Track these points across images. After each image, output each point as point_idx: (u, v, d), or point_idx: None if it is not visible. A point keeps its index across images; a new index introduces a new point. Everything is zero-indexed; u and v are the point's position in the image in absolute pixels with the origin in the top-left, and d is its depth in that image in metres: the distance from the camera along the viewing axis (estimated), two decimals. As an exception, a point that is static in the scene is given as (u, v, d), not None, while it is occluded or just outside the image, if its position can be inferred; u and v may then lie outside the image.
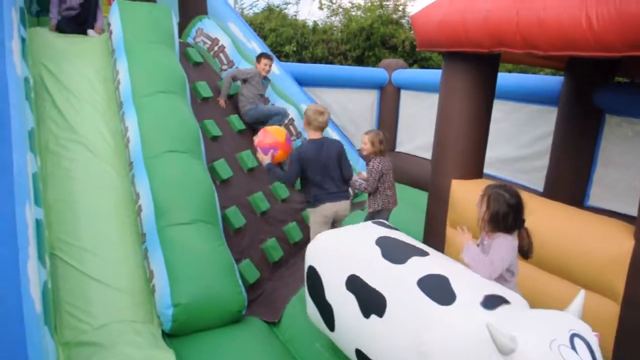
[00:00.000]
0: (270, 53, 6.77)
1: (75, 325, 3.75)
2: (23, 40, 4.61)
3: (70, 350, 3.57)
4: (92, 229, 4.28)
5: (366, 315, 2.89)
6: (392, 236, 3.29)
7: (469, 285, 2.68)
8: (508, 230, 3.02)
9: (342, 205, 4.62)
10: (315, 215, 4.60)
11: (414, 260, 2.94)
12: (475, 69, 4.63)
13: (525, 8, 3.63)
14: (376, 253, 3.07)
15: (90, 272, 4.03)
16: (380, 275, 2.93)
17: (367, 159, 5.25)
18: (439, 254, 3.18)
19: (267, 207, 5.50)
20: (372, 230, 3.42)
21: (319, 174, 4.47)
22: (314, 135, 4.55)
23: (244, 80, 6.24)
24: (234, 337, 3.93)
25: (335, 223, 4.69)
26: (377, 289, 2.87)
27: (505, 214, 2.98)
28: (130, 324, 3.86)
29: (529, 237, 3.09)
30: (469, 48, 4.29)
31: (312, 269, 3.45)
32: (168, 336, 3.89)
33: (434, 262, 2.94)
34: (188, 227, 4.22)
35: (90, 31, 5.89)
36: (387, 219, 4.95)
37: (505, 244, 2.97)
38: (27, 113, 4.06)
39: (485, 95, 4.77)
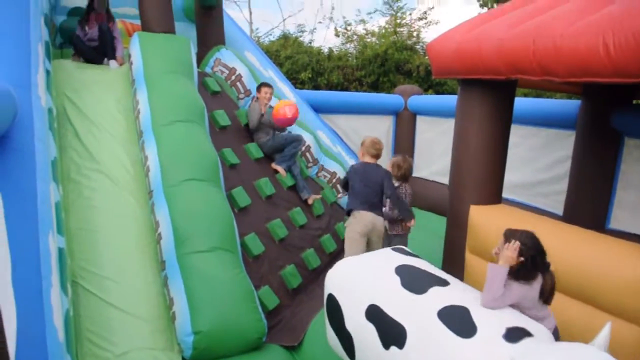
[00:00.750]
0: (286, 78, 6.83)
1: (96, 352, 3.77)
2: (47, 72, 4.73)
3: (91, 378, 3.59)
4: (113, 257, 4.33)
5: (386, 346, 2.87)
6: (412, 264, 3.27)
7: (491, 316, 2.65)
8: (532, 278, 2.90)
9: (380, 220, 4.85)
10: (352, 226, 4.81)
11: (434, 290, 2.92)
12: (491, 94, 4.64)
13: (542, 35, 3.65)
14: (396, 282, 3.06)
15: (111, 299, 4.07)
16: (400, 305, 2.91)
17: None
18: (460, 283, 3.16)
19: (285, 234, 5.51)
20: (392, 258, 3.40)
21: (361, 187, 4.82)
22: (369, 160, 4.99)
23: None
24: (254, 364, 3.92)
25: (369, 244, 4.85)
26: (397, 319, 2.85)
27: (536, 261, 2.88)
28: (151, 351, 3.88)
29: (552, 281, 2.96)
30: (485, 75, 4.31)
31: (331, 297, 3.43)
32: (188, 363, 3.90)
33: (454, 292, 2.91)
34: (208, 254, 4.25)
35: (111, 62, 6.00)
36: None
37: (518, 294, 2.85)
38: (51, 143, 4.15)
39: (502, 121, 4.77)
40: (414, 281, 3.03)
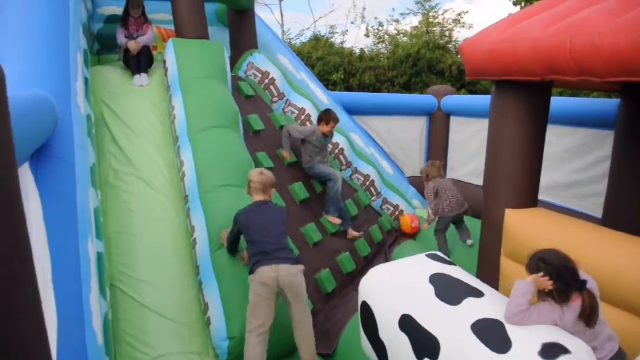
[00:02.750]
0: (318, 80, 6.83)
1: (134, 355, 3.84)
2: (86, 80, 4.84)
3: (130, 381, 3.66)
4: (150, 260, 4.40)
5: (420, 358, 2.83)
6: (447, 273, 3.22)
7: (527, 331, 2.59)
8: (567, 298, 2.74)
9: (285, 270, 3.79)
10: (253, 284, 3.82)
11: (469, 302, 2.87)
12: (527, 96, 4.55)
13: (579, 34, 3.55)
14: (430, 292, 3.01)
15: (148, 303, 4.13)
16: (434, 316, 2.87)
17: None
18: (496, 293, 3.09)
19: (319, 238, 5.52)
20: (427, 266, 3.36)
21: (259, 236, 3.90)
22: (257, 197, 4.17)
23: (302, 140, 6.18)
24: (289, 369, 3.93)
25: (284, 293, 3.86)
26: (431, 331, 2.81)
27: (565, 280, 2.72)
28: (187, 355, 3.93)
29: (591, 301, 2.72)
30: (521, 77, 4.22)
31: (365, 305, 3.41)
32: (223, 368, 3.94)
33: (489, 305, 2.85)
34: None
35: (143, 76, 5.81)
36: (451, 222, 6.29)
37: (548, 315, 2.73)
38: (90, 150, 4.24)
39: (538, 122, 4.67)
40: (449, 291, 2.99)
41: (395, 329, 3.05)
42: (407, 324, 2.98)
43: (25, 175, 2.88)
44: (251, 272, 3.81)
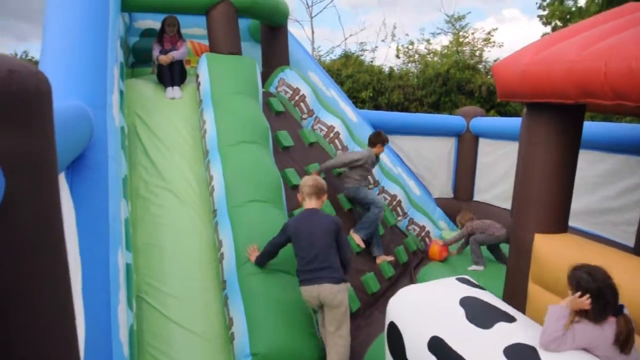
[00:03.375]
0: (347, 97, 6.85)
1: (157, 367, 3.86)
2: (121, 92, 4.94)
3: (152, 392, 3.68)
4: (176, 273, 4.44)
5: None
6: (477, 296, 3.19)
7: (560, 359, 2.54)
8: (603, 319, 2.68)
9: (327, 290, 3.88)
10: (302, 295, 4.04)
11: (501, 326, 2.84)
12: (559, 119, 4.50)
13: (614, 58, 3.51)
14: (460, 315, 2.99)
15: (173, 316, 4.16)
16: (465, 339, 2.84)
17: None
18: (527, 319, 3.05)
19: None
20: (457, 289, 3.33)
21: (305, 252, 3.95)
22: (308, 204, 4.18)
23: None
24: (311, 387, 3.90)
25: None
26: (462, 354, 2.77)
27: (605, 298, 2.66)
28: (210, 369, 3.93)
29: (628, 326, 2.66)
30: (554, 99, 4.19)
31: (393, 325, 3.38)
32: (245, 383, 3.92)
33: (522, 330, 2.81)
34: (268, 276, 4.27)
35: (175, 89, 5.94)
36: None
37: (584, 337, 2.66)
38: (122, 161, 4.31)
39: (570, 146, 4.61)
40: (479, 314, 2.97)
41: (423, 351, 3.02)
42: (437, 346, 2.95)
43: (61, 185, 2.94)
44: (300, 281, 4.00)
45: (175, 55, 6.00)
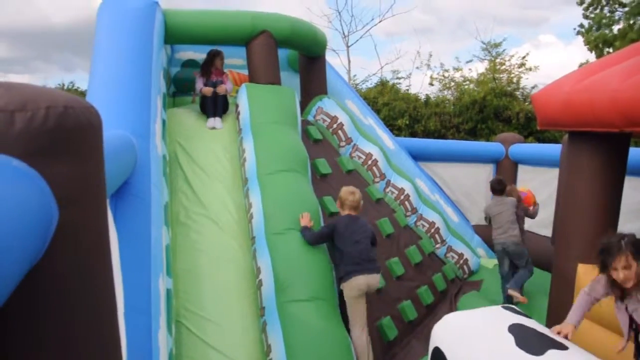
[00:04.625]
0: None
1: (195, 393, 3.87)
2: (163, 121, 5.07)
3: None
4: (214, 299, 4.47)
5: None
6: (525, 324, 3.14)
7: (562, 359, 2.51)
8: None
9: (374, 279, 4.59)
10: (348, 289, 4.52)
11: (553, 354, 2.78)
12: (603, 147, 4.42)
13: (659, 86, 3.46)
14: (510, 342, 2.95)
15: (212, 341, 4.19)
16: None
17: None
18: (579, 348, 2.98)
19: (382, 285, 5.46)
20: (504, 316, 3.29)
21: (349, 246, 4.53)
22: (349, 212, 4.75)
23: None
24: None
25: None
26: None
27: None
28: (247, 396, 3.93)
29: None
30: (597, 128, 4.11)
31: (438, 351, 3.34)
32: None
33: (575, 358, 2.75)
34: (307, 304, 4.28)
35: (215, 120, 6.02)
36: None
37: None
38: (164, 188, 4.41)
39: (614, 175, 4.51)
40: (529, 341, 2.92)
41: None
42: None
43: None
44: (341, 279, 4.50)
45: (223, 89, 6.16)
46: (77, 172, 1.41)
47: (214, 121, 5.94)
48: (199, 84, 6.20)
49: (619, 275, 2.86)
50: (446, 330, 3.40)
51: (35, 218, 1.20)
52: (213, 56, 6.36)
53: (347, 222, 4.62)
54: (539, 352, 2.79)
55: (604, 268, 2.97)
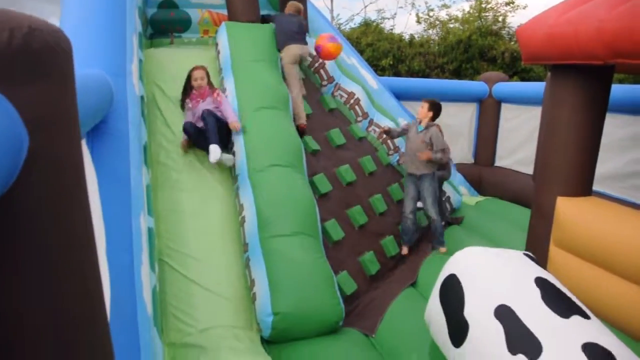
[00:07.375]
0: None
1: (180, 327, 3.96)
2: (140, 61, 4.95)
3: (175, 351, 3.78)
4: (197, 236, 4.51)
5: (513, 351, 2.71)
6: (551, 281, 3.12)
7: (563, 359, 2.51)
8: None
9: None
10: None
11: (577, 320, 2.76)
12: (586, 81, 4.39)
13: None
14: (536, 294, 2.92)
15: (195, 277, 4.24)
16: (539, 319, 2.77)
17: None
18: (599, 321, 2.95)
19: (365, 221, 5.53)
20: (530, 266, 3.26)
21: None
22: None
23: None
24: (331, 347, 3.97)
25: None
26: (534, 332, 2.70)
27: None
28: (231, 329, 4.01)
29: None
30: (581, 60, 4.07)
31: (454, 279, 3.32)
32: (266, 342, 4.02)
33: (599, 332, 2.73)
34: (290, 238, 4.34)
35: (212, 147, 4.83)
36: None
37: None
38: (142, 129, 4.35)
39: (597, 109, 4.51)
40: (555, 300, 2.89)
41: (488, 315, 2.95)
42: (506, 315, 2.88)
43: (83, 151, 2.98)
44: None
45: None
46: (46, 96, 1.37)
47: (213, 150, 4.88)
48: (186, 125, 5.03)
49: None
50: (467, 261, 3.37)
51: (2, 142, 1.18)
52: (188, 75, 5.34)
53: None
54: (565, 314, 2.78)
55: None
